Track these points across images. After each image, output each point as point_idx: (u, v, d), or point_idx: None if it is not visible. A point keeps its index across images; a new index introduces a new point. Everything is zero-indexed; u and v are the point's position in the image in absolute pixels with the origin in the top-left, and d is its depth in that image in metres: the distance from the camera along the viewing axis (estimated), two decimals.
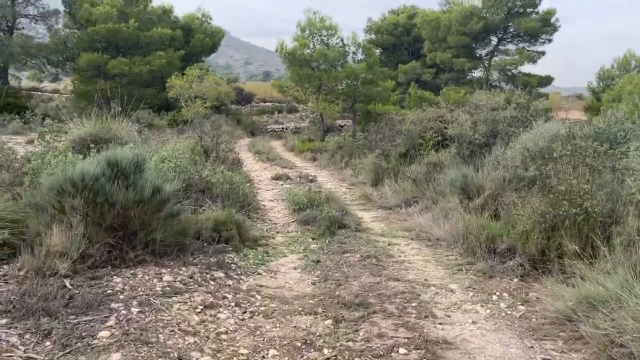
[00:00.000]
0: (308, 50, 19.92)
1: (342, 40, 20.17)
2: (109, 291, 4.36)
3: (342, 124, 33.52)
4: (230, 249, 6.24)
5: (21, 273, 4.23)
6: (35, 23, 23.12)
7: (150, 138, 16.58)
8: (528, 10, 28.77)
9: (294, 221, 8.24)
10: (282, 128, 38.59)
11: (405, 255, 6.41)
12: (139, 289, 4.45)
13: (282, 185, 12.22)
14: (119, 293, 4.34)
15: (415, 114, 14.61)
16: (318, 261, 6.05)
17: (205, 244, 6.14)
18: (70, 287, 4.36)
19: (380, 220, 8.57)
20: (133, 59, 21.63)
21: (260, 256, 6.21)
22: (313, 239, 7.13)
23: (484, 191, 8.28)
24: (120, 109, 17.39)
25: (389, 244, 6.92)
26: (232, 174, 9.93)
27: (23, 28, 23.46)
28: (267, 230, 7.60)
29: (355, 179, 12.60)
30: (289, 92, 20.89)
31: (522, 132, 9.12)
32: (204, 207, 7.46)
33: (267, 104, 46.21)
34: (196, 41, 33.63)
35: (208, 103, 19.04)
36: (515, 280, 5.46)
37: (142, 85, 23.37)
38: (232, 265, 5.71)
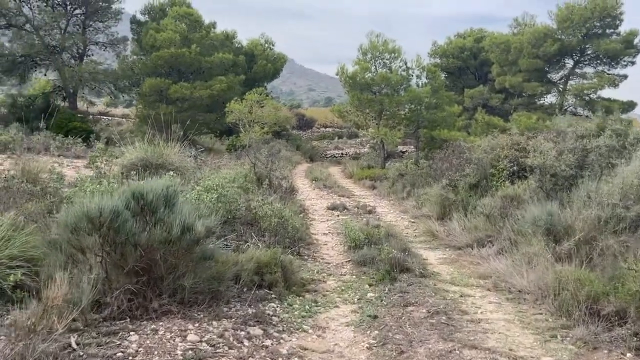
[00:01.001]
0: (369, 74, 19.15)
1: (405, 63, 19.31)
2: (120, 354, 3.59)
3: (404, 150, 32.38)
4: (273, 296, 5.38)
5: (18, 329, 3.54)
6: (104, 50, 23.87)
7: (205, 163, 16.30)
8: (608, 31, 26.74)
9: (349, 261, 7.30)
10: (342, 154, 37.97)
11: (482, 312, 5.30)
12: (155, 353, 3.65)
13: (338, 216, 11.32)
14: (130, 358, 3.56)
15: (486, 140, 13.41)
16: (375, 316, 5.06)
17: (244, 289, 5.33)
18: (76, 347, 3.63)
19: (448, 262, 7.45)
20: (194, 84, 21.71)
21: (307, 306, 5.30)
22: (370, 285, 6.15)
23: (574, 233, 7.02)
24: (180, 133, 17.10)
25: (461, 296, 5.83)
26: (282, 205, 9.18)
27: (92, 55, 24.27)
28: (317, 272, 6.69)
29: (418, 211, 11.51)
30: (348, 117, 20.15)
31: (620, 164, 7.79)
32: (248, 243, 6.69)
33: (327, 129, 45.96)
34: (259, 67, 33.88)
35: (266, 128, 18.56)
36: (629, 355, 4.25)
37: (203, 110, 23.42)
38: (274, 318, 4.83)
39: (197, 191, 6.80)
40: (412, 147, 24.26)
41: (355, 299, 5.65)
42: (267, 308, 5.01)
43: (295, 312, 5.08)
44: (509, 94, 30.07)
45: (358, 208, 12.30)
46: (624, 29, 26.64)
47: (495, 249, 7.58)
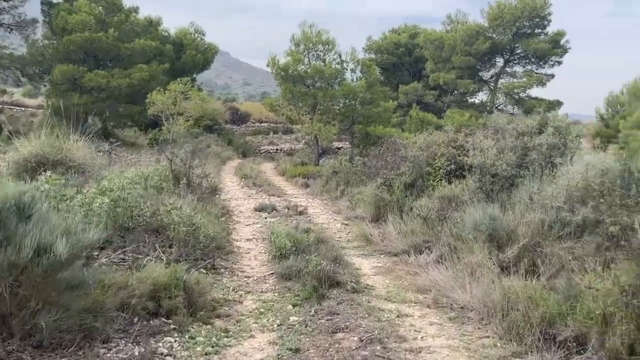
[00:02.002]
0: (302, 67, 18.24)
1: (339, 56, 18.54)
2: None
3: (340, 146, 31.81)
4: (171, 326, 4.34)
5: None
6: (10, 32, 21.44)
7: (121, 160, 14.79)
8: (537, 31, 27.32)
9: (272, 274, 6.35)
10: (276, 149, 36.98)
11: (422, 337, 4.52)
12: None
13: (265, 218, 10.35)
14: None
15: (422, 137, 12.87)
16: (297, 350, 4.15)
17: (135, 320, 4.26)
18: None
19: (384, 272, 6.68)
20: (112, 72, 19.88)
21: (215, 338, 4.31)
22: (294, 305, 5.23)
23: (517, 239, 6.46)
24: (98, 126, 15.35)
25: (398, 316, 5.03)
26: (200, 208, 8.10)
27: None
28: (234, 290, 5.70)
29: (352, 211, 10.75)
30: (281, 111, 19.15)
31: (562, 163, 7.32)
32: (150, 257, 5.60)
33: (262, 124, 44.71)
34: (188, 57, 32.16)
35: (191, 121, 17.20)
36: None
37: (124, 101, 21.61)
38: (167, 358, 3.81)
39: (85, 195, 5.61)
40: (348, 143, 23.64)
41: (275, 325, 4.71)
42: (160, 345, 3.98)
43: (198, 348, 4.08)
44: (443, 90, 30.20)
45: (288, 209, 11.38)
46: (551, 29, 27.35)
47: (434, 256, 6.90)
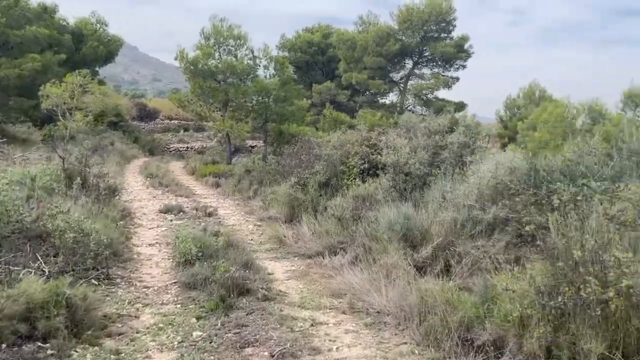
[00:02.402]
0: (213, 61, 17.50)
1: (252, 51, 18.00)
2: None
3: (254, 145, 31.17)
4: (49, 351, 3.71)
5: None
6: None
7: (7, 158, 13.27)
8: (442, 35, 28.42)
9: (174, 283, 5.79)
10: (187, 147, 35.67)
11: (337, 348, 4.22)
12: None
13: (171, 221, 9.65)
14: None
15: (335, 136, 12.74)
16: None
17: (3, 346, 3.58)
18: None
19: (297, 276, 6.34)
20: None
21: None
22: (199, 318, 4.73)
23: (431, 238, 6.40)
24: None
25: (312, 324, 4.71)
26: (96, 210, 7.33)
27: None
28: (130, 303, 5.08)
29: (265, 212, 10.33)
30: (190, 108, 18.25)
31: (473, 161, 7.40)
32: (29, 269, 4.85)
33: (173, 121, 42.89)
34: (88, 48, 30.07)
35: (90, 116, 15.91)
36: None
37: (15, 94, 19.59)
38: None
39: None
40: (262, 141, 23.16)
41: (176, 342, 4.20)
42: None
43: None
44: (355, 90, 30.57)
45: (197, 210, 10.73)
46: (456, 34, 28.57)
47: (348, 258, 6.67)
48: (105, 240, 6.02)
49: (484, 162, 7.43)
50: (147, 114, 41.74)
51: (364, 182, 9.20)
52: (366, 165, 9.64)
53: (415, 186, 7.53)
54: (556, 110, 22.26)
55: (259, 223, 9.68)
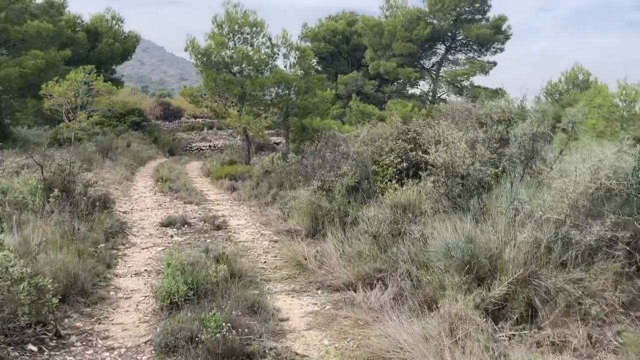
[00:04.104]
0: (227, 51, 15.91)
1: (269, 39, 16.34)
2: None
3: (278, 142, 29.57)
4: None
5: None
6: None
7: None
8: (477, 17, 26.23)
9: (149, 341, 4.17)
10: (209, 146, 34.44)
11: None
12: None
13: (172, 237, 8.09)
14: None
15: (365, 129, 11.01)
16: None
17: None
18: None
19: (322, 325, 4.63)
20: None
21: None
22: None
23: (504, 268, 4.63)
24: None
25: None
26: (11, 254, 5.80)
27: None
28: None
29: (284, 223, 8.68)
30: (204, 103, 16.74)
31: (551, 160, 5.56)
32: None
33: (197, 119, 41.85)
34: (104, 46, 28.98)
35: (96, 116, 14.53)
36: None
37: (19, 94, 18.44)
38: None
39: None
40: (283, 137, 21.55)
41: None
42: None
43: None
44: (383, 80, 28.66)
45: (205, 221, 9.15)
46: (492, 15, 26.31)
47: (390, 294, 4.96)
48: (62, 278, 4.45)
49: (566, 159, 5.60)
50: (171, 113, 40.87)
51: (401, 184, 7.45)
52: (404, 165, 7.89)
53: (473, 193, 5.74)
54: (610, 94, 20.00)
55: (275, 238, 8.02)
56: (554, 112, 7.88)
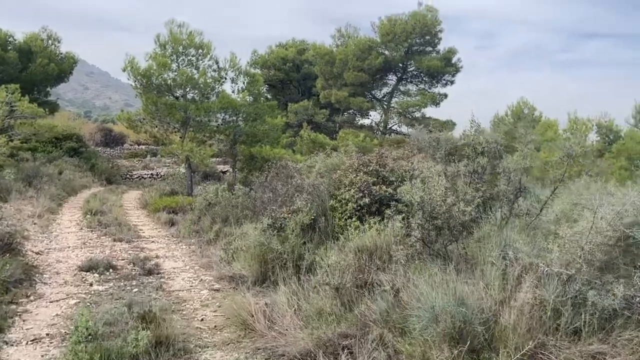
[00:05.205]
0: (170, 74, 14.72)
1: (216, 62, 15.29)
2: None
3: (225, 170, 28.28)
4: None
5: None
6: None
7: None
8: (428, 49, 26.26)
9: None
10: (152, 174, 32.70)
11: None
12: None
13: (91, 285, 6.74)
14: None
15: (319, 160, 10.14)
16: None
17: None
18: None
19: None
20: None
21: None
22: None
23: (504, 337, 3.71)
24: None
25: None
26: None
27: None
28: None
29: (228, 267, 7.49)
30: (142, 129, 15.36)
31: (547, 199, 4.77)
32: None
33: (141, 146, 39.97)
34: (37, 67, 27.08)
35: (16, 141, 12.89)
36: None
37: None
38: None
39: None
40: (230, 167, 20.33)
41: None
42: None
43: None
44: (334, 110, 28.09)
45: (134, 264, 7.82)
46: (442, 47, 26.40)
47: None
48: None
49: (558, 198, 4.83)
50: (113, 139, 39.09)
51: (362, 222, 6.53)
52: (366, 200, 6.96)
53: (454, 237, 4.83)
54: (553, 127, 20.17)
55: (217, 285, 6.83)
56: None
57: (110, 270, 7.45)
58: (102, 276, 7.15)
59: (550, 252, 3.77)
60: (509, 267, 4.14)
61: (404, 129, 26.87)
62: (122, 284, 6.83)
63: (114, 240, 9.82)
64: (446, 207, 4.55)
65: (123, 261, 8.07)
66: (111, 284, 6.78)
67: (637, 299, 3.45)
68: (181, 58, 15.15)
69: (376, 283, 5.03)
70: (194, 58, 15.24)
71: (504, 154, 5.07)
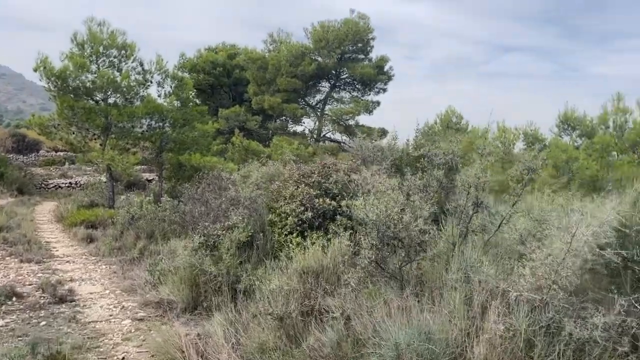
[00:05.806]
0: (89, 75, 13.53)
1: (141, 64, 14.25)
2: None
3: (151, 178, 26.88)
4: None
5: None
6: None
7: None
8: (360, 56, 26.29)
9: None
10: (70, 183, 30.60)
11: None
12: None
13: None
14: None
15: (253, 168, 9.55)
16: None
17: None
18: None
19: None
20: None
21: None
22: None
23: None
24: None
25: None
26: None
27: None
28: None
29: (153, 290, 6.69)
30: (57, 135, 13.99)
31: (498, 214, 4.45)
32: None
33: (59, 153, 37.30)
34: None
35: None
36: None
37: None
38: None
39: None
40: (157, 176, 19.14)
41: None
42: None
43: None
44: (267, 116, 27.43)
45: (44, 290, 6.83)
46: (374, 55, 26.52)
47: None
48: None
49: (516, 214, 4.53)
50: (26, 146, 36.26)
51: (304, 237, 6.03)
52: (309, 214, 6.44)
53: (410, 258, 4.40)
54: (475, 135, 20.66)
55: (141, 314, 6.03)
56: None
57: (14, 299, 6.43)
58: (2, 307, 6.13)
59: (521, 276, 3.41)
60: (474, 292, 3.76)
61: (338, 136, 26.73)
62: (27, 315, 5.87)
63: (22, 261, 8.68)
64: (403, 225, 4.11)
65: (30, 287, 7.05)
66: (14, 317, 5.81)
67: (616, 328, 3.15)
68: (102, 59, 13.98)
69: (324, 309, 4.52)
70: (116, 59, 14.12)
71: (460, 165, 4.74)
